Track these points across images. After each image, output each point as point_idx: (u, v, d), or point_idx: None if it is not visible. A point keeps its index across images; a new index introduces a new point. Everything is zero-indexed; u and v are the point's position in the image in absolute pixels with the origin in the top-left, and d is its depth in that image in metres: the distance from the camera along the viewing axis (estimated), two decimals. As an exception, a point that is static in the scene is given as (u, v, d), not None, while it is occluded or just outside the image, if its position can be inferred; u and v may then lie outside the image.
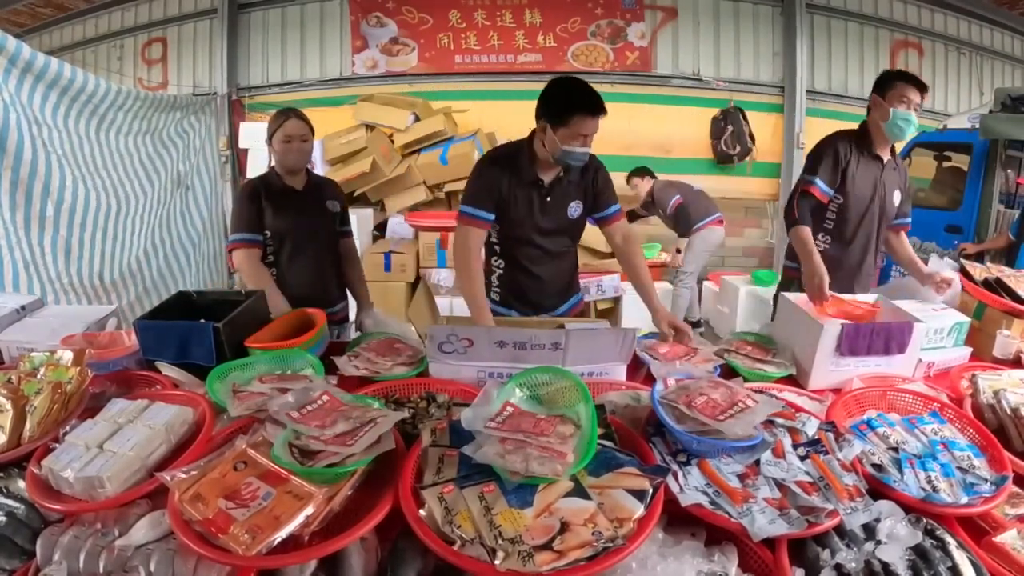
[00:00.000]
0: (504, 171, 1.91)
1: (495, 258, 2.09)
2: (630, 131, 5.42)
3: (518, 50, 5.46)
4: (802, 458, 1.10)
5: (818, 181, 2.14)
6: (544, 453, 0.95)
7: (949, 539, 0.96)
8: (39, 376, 1.26)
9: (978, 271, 1.95)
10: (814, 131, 5.40)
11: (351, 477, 0.97)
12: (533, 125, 1.90)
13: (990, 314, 1.81)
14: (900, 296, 1.87)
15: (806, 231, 2.11)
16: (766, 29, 5.50)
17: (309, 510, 0.90)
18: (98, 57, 5.75)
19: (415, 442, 1.10)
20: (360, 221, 4.50)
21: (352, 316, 2.39)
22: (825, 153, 2.15)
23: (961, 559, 0.93)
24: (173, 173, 4.36)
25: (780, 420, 1.19)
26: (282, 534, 0.86)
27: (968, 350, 1.73)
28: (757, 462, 1.08)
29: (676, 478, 1.04)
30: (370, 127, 4.90)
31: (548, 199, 1.96)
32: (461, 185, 4.64)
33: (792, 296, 1.76)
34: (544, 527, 0.87)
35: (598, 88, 1.85)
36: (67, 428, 1.15)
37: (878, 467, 1.14)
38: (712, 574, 0.91)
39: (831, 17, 5.54)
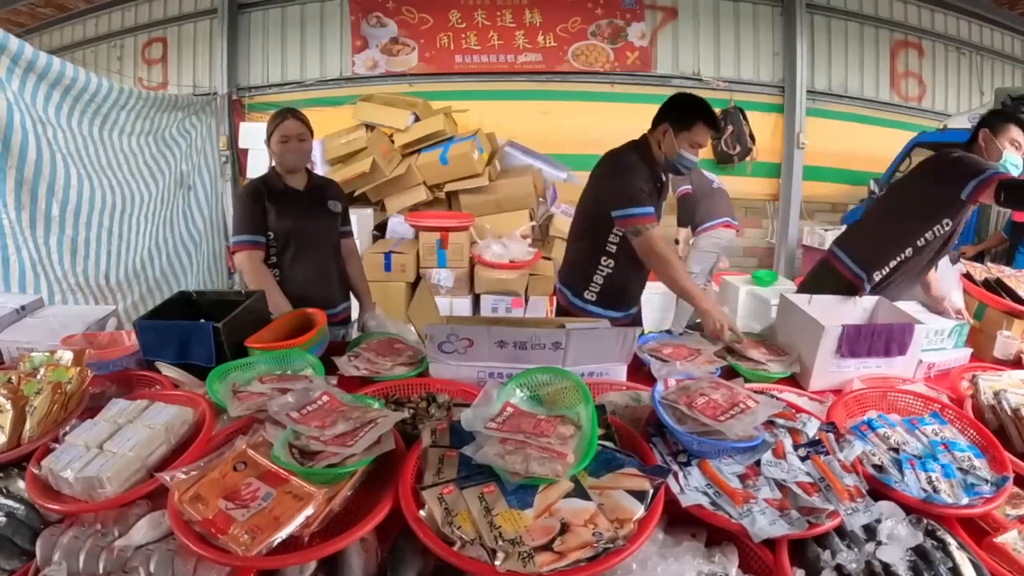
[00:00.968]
0: (647, 170, 2.04)
1: (605, 258, 2.11)
2: (630, 131, 5.39)
3: (518, 50, 5.46)
4: (803, 459, 1.10)
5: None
6: (544, 454, 0.95)
7: (950, 540, 0.96)
8: (39, 376, 1.26)
9: (978, 271, 1.95)
10: (814, 131, 5.41)
11: (351, 478, 0.97)
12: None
13: (990, 315, 1.81)
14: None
15: None
16: (766, 29, 5.50)
17: (309, 511, 0.89)
18: (98, 57, 5.75)
19: (415, 442, 1.10)
20: (360, 221, 4.50)
21: (355, 316, 2.39)
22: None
23: (962, 560, 0.93)
24: (176, 173, 4.37)
25: (781, 421, 1.19)
26: (282, 535, 0.86)
27: (968, 351, 1.73)
28: (758, 463, 1.08)
29: (676, 479, 1.04)
30: (370, 127, 4.90)
31: (660, 200, 2.07)
32: (461, 185, 4.72)
33: (792, 296, 1.75)
34: (544, 528, 0.87)
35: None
36: (67, 428, 1.15)
37: (879, 468, 1.14)
38: (712, 575, 0.91)
39: (831, 17, 5.54)
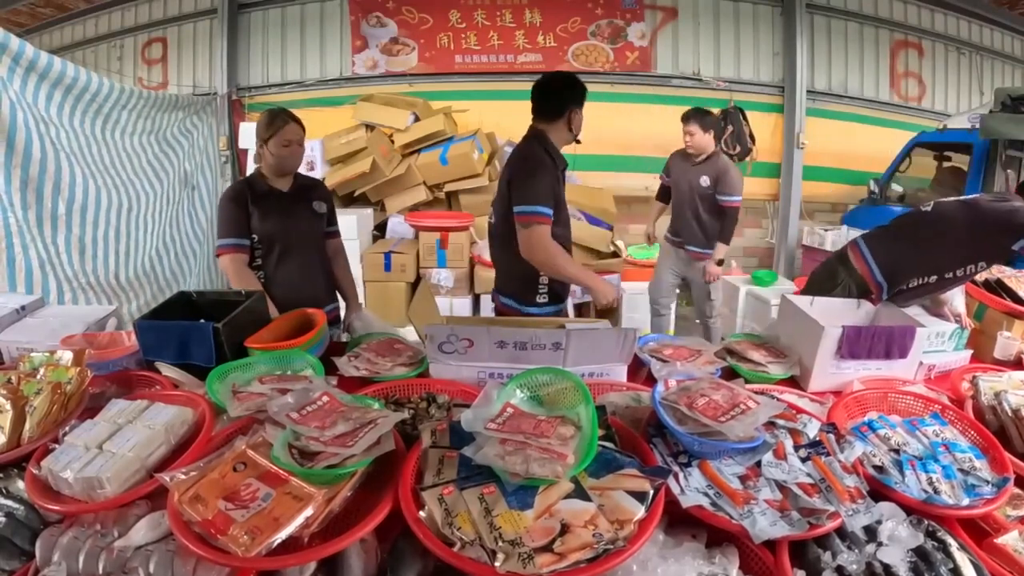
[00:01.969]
0: (551, 164, 2.07)
1: None
2: (630, 131, 5.42)
3: (518, 50, 5.46)
4: (803, 460, 1.10)
5: None
6: (544, 454, 0.95)
7: (950, 541, 0.96)
8: (39, 376, 1.26)
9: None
10: (814, 131, 5.41)
11: (351, 478, 0.97)
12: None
13: (991, 315, 1.81)
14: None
15: None
16: (766, 29, 5.50)
17: (309, 511, 0.89)
18: (98, 57, 5.75)
19: (415, 443, 1.09)
20: (360, 221, 4.50)
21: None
22: None
23: (962, 561, 0.93)
24: (180, 172, 4.38)
25: (781, 421, 1.19)
26: (282, 535, 0.85)
27: (969, 352, 1.72)
28: (758, 463, 1.08)
29: (677, 479, 1.04)
30: (370, 127, 4.90)
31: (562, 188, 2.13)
32: (461, 185, 4.72)
33: (793, 297, 1.75)
34: (544, 529, 0.87)
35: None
36: (67, 428, 1.14)
37: (879, 469, 1.14)
38: (713, 576, 0.91)
39: (831, 17, 5.54)
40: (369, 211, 4.87)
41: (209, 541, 0.86)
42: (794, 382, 1.58)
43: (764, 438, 1.10)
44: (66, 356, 1.35)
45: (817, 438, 1.15)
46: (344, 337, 2.21)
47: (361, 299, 4.38)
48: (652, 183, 5.59)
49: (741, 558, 0.95)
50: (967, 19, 5.79)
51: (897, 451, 1.19)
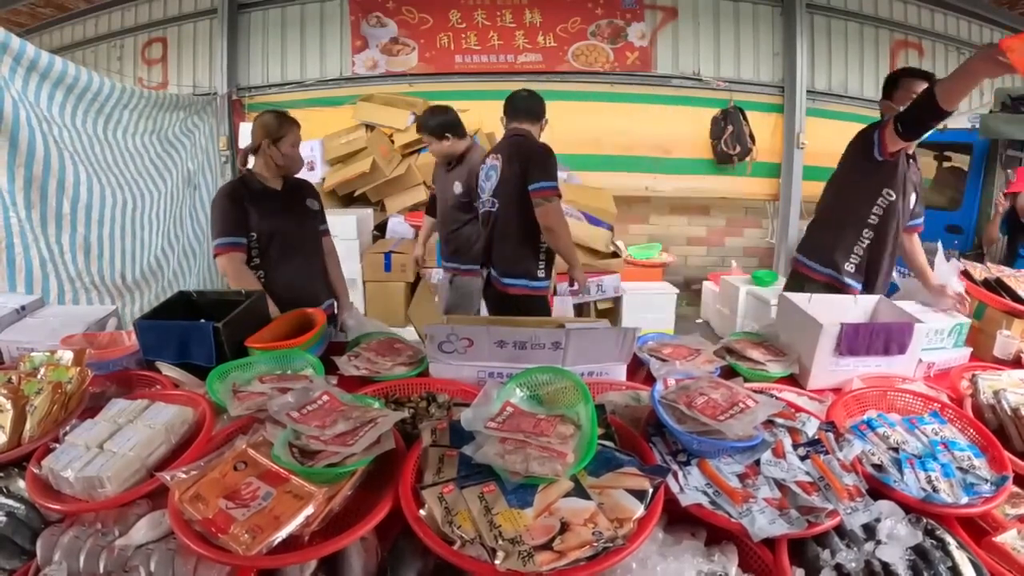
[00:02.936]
0: None
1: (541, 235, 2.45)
2: (630, 131, 5.42)
3: (518, 50, 5.46)
4: (802, 458, 1.10)
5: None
6: (544, 453, 0.95)
7: (949, 539, 0.96)
8: (39, 376, 1.26)
9: (978, 271, 1.95)
10: (814, 131, 5.41)
11: (351, 477, 0.97)
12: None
13: (990, 314, 1.81)
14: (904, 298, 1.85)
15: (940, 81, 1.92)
16: (766, 29, 5.50)
17: (309, 510, 0.89)
18: (98, 57, 5.75)
19: (415, 442, 1.10)
20: (360, 221, 4.51)
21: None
22: None
23: (961, 559, 0.93)
24: (184, 171, 4.38)
25: (780, 420, 1.19)
26: (282, 534, 0.86)
27: (968, 350, 1.73)
28: (757, 462, 1.08)
29: (676, 478, 1.04)
30: (370, 127, 4.90)
31: None
32: (461, 185, 4.70)
33: (792, 296, 1.76)
34: (544, 527, 0.87)
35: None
36: (67, 428, 1.15)
37: (878, 467, 1.14)
38: (712, 574, 0.91)
39: (831, 17, 5.54)
40: (369, 211, 4.87)
41: (210, 540, 0.86)
42: (793, 380, 1.58)
43: (763, 437, 1.10)
44: (66, 356, 1.35)
45: (816, 437, 1.16)
46: (341, 336, 2.22)
47: (361, 299, 4.41)
48: (652, 183, 5.62)
49: (740, 556, 0.95)
50: (967, 19, 5.79)
51: (896, 449, 1.20)
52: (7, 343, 1.63)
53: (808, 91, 5.43)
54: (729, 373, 1.58)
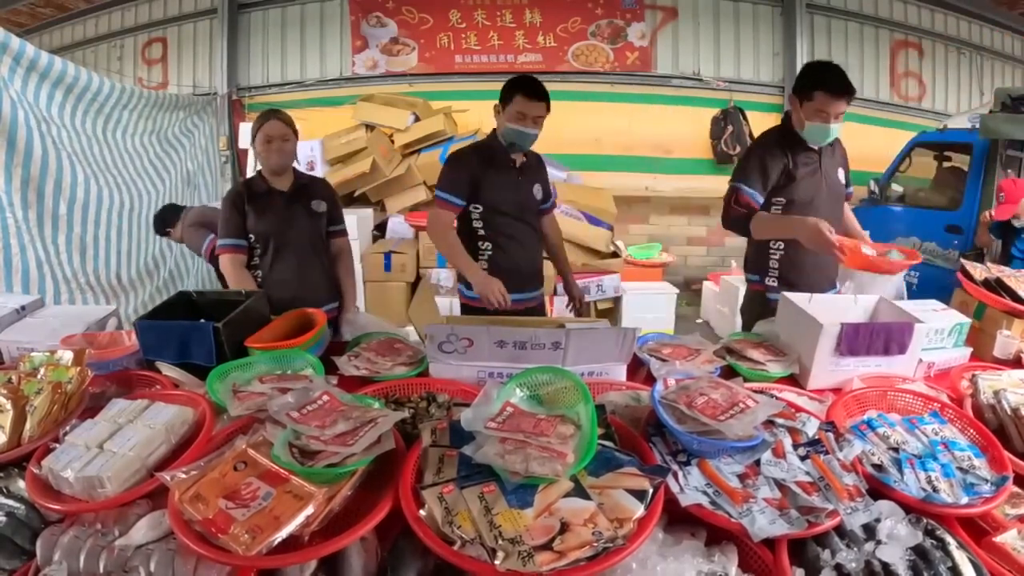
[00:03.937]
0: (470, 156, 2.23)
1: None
2: (630, 131, 5.43)
3: (518, 50, 5.46)
4: (802, 458, 1.10)
5: (746, 189, 2.00)
6: (544, 453, 0.95)
7: (949, 539, 0.96)
8: (39, 376, 1.26)
9: (978, 271, 1.95)
10: (814, 131, 5.40)
11: (351, 477, 0.97)
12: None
13: (990, 314, 1.81)
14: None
15: (760, 214, 1.98)
16: (766, 29, 5.50)
17: (309, 510, 0.89)
18: (98, 57, 5.75)
19: (415, 442, 1.10)
20: (360, 221, 4.50)
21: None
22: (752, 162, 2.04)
23: (961, 559, 0.93)
24: (183, 171, 4.39)
25: (780, 420, 1.19)
26: (282, 534, 0.86)
27: (968, 350, 1.73)
28: (757, 462, 1.08)
29: (676, 478, 1.04)
30: (370, 127, 4.90)
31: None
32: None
33: (792, 296, 1.76)
34: (544, 527, 0.87)
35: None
36: (67, 428, 1.15)
37: (878, 467, 1.14)
38: (712, 574, 0.91)
39: (831, 17, 5.54)
40: (369, 211, 4.87)
41: (210, 540, 0.86)
42: (793, 380, 1.58)
43: (763, 437, 1.10)
44: (66, 356, 1.35)
45: (816, 437, 1.15)
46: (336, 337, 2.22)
47: (362, 299, 4.41)
48: (652, 183, 5.62)
49: (740, 556, 0.95)
50: (967, 19, 5.79)
51: (896, 449, 1.19)
52: (7, 343, 1.63)
53: (808, 91, 5.43)
54: (729, 373, 1.58)
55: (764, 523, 0.94)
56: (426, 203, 4.84)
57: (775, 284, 2.11)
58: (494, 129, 2.20)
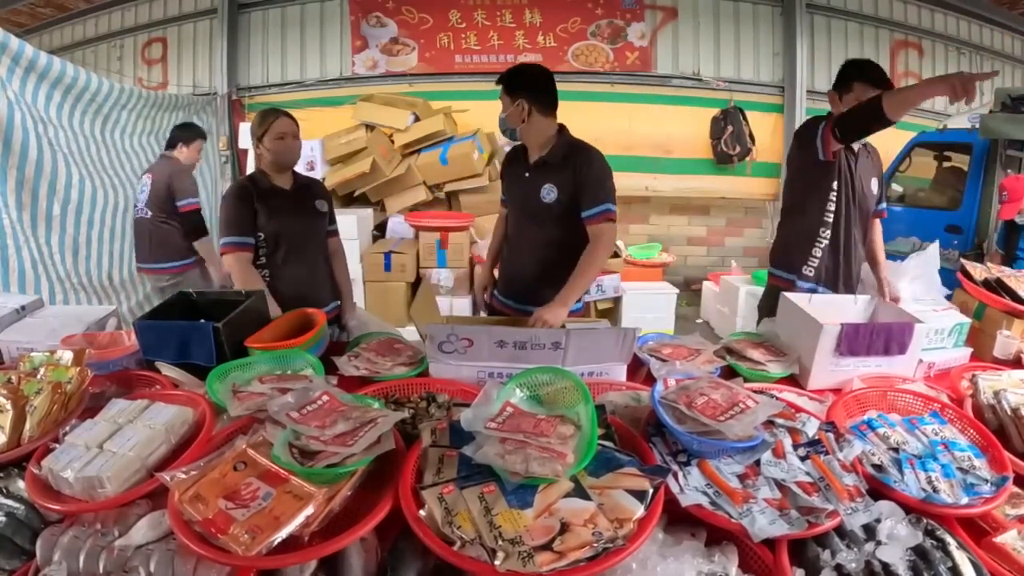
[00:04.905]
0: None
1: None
2: (630, 131, 5.43)
3: (518, 50, 5.46)
4: (802, 458, 1.10)
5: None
6: (544, 453, 0.95)
7: (949, 539, 0.96)
8: (39, 376, 1.26)
9: (978, 271, 1.95)
10: (814, 131, 5.40)
11: (351, 477, 0.97)
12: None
13: (990, 314, 1.81)
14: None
15: (887, 92, 1.78)
16: (766, 29, 5.50)
17: (309, 510, 0.89)
18: (98, 57, 5.75)
19: (415, 442, 1.10)
20: (360, 221, 4.51)
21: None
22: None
23: (961, 559, 0.93)
24: None
25: (780, 420, 1.19)
26: (282, 534, 0.86)
27: (968, 350, 1.73)
28: (757, 462, 1.08)
29: (676, 478, 1.04)
30: (370, 127, 4.90)
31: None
32: (461, 185, 4.72)
33: (792, 296, 1.76)
34: (544, 528, 0.87)
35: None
36: (67, 428, 1.14)
37: (878, 467, 1.14)
38: (712, 574, 0.91)
39: (831, 17, 5.54)
40: (369, 211, 4.87)
41: (210, 540, 0.86)
42: (793, 380, 1.58)
43: (763, 437, 1.10)
44: (66, 356, 1.35)
45: (816, 437, 1.15)
46: (343, 337, 2.22)
47: (361, 299, 4.41)
48: (652, 183, 5.62)
49: (740, 557, 0.95)
50: (967, 19, 5.79)
51: (896, 450, 1.19)
52: (7, 343, 1.63)
53: (808, 91, 5.44)
54: (729, 373, 1.58)
55: (764, 523, 0.94)
56: (426, 203, 4.85)
57: (811, 274, 2.11)
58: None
